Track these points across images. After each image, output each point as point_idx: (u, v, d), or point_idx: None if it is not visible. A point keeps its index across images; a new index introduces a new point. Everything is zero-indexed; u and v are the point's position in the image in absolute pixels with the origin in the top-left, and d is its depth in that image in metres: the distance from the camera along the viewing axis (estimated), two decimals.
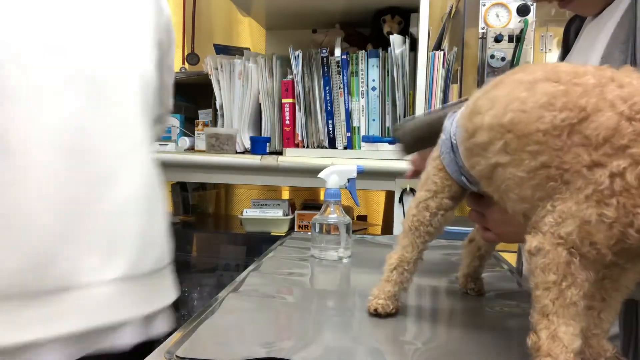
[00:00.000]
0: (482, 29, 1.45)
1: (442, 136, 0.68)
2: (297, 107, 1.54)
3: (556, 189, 0.48)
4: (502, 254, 1.07)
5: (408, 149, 0.88)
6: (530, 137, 0.49)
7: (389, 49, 1.46)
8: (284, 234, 1.58)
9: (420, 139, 0.84)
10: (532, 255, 0.49)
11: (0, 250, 0.68)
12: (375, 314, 0.69)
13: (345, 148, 1.52)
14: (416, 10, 1.43)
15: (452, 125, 0.66)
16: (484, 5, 1.43)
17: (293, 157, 1.49)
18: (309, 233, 1.11)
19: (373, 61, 1.49)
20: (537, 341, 0.48)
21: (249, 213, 1.63)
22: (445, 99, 1.44)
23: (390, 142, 1.46)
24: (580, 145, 0.46)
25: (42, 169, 0.70)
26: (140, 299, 0.81)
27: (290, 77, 1.55)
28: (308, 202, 1.89)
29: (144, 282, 0.81)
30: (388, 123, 1.50)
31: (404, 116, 1.46)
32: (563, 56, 0.84)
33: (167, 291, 0.86)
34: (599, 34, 0.70)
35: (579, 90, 0.47)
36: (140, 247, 0.79)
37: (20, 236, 0.70)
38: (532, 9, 1.42)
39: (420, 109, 1.42)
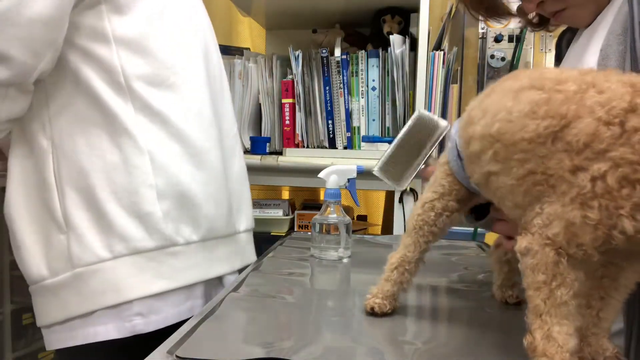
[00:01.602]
0: (482, 29, 1.45)
1: (449, 144, 0.69)
2: (297, 107, 1.54)
3: (544, 192, 0.49)
4: None
5: (401, 179, 0.91)
6: (517, 146, 0.50)
7: (389, 49, 1.46)
8: (284, 234, 1.58)
9: (402, 163, 0.88)
10: (523, 255, 0.50)
11: (206, 202, 0.88)
12: (372, 313, 0.69)
13: (345, 148, 1.53)
14: (416, 10, 1.43)
15: (456, 133, 0.66)
16: None
17: (293, 157, 1.49)
18: (309, 233, 1.11)
19: (373, 61, 1.50)
20: (532, 341, 0.48)
21: None
22: (445, 99, 1.44)
23: (390, 142, 1.45)
24: (563, 151, 0.47)
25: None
26: (251, 250, 1.06)
27: (290, 77, 1.56)
28: (308, 202, 1.89)
29: (249, 236, 1.06)
30: (388, 123, 1.50)
31: (404, 116, 1.46)
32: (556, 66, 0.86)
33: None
34: (594, 35, 0.72)
35: (560, 97, 0.48)
36: (247, 207, 1.05)
37: (217, 188, 0.92)
38: None
39: (420, 109, 1.42)
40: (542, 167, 0.48)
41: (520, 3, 0.79)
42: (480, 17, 0.84)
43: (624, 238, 0.44)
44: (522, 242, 0.50)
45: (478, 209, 0.75)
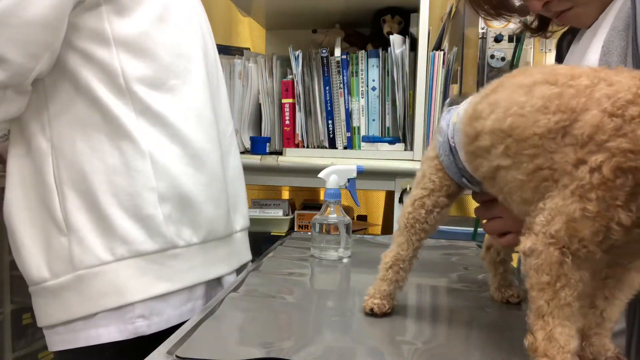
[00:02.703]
0: (482, 29, 1.45)
1: (439, 138, 0.68)
2: (297, 107, 1.54)
3: (548, 188, 0.49)
4: None
5: None
6: (528, 141, 0.50)
7: (389, 49, 1.46)
8: (284, 234, 1.58)
9: None
10: (527, 256, 0.50)
11: (205, 204, 0.88)
12: (371, 314, 0.69)
13: (345, 148, 1.52)
14: (416, 10, 1.43)
15: (449, 127, 0.66)
16: None
17: (293, 157, 1.49)
18: (309, 233, 1.11)
19: (373, 61, 1.49)
20: (533, 342, 0.48)
21: (249, 213, 1.63)
22: (445, 99, 1.44)
23: (390, 142, 1.46)
24: (569, 145, 0.47)
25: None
26: (247, 249, 1.06)
27: (290, 77, 1.55)
28: (308, 202, 1.89)
29: (245, 235, 1.06)
30: (388, 123, 1.50)
31: (404, 116, 1.46)
32: None
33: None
34: (596, 34, 0.72)
35: (571, 92, 0.48)
36: (243, 205, 1.06)
37: (216, 190, 0.92)
38: None
39: (420, 109, 1.42)
40: (549, 162, 0.48)
41: (523, 2, 0.79)
42: (482, 14, 0.84)
43: (622, 231, 0.44)
44: (526, 243, 0.50)
45: None
